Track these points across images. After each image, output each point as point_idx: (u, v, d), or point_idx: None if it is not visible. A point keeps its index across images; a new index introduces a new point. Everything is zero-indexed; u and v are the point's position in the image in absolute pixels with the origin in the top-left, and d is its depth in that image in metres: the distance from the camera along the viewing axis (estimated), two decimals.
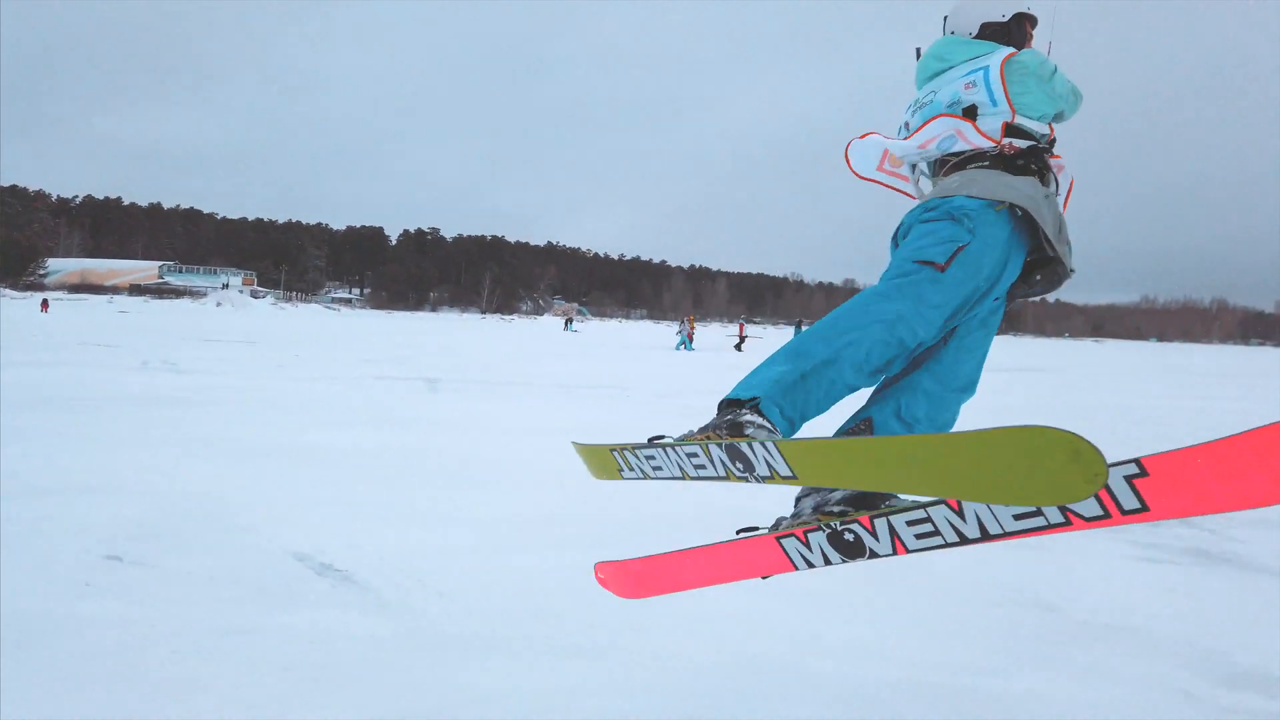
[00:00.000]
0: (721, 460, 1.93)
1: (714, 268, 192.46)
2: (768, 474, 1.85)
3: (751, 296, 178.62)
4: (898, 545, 1.98)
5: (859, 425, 2.29)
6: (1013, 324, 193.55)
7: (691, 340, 35.68)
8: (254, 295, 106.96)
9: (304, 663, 3.21)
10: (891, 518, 1.96)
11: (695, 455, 1.99)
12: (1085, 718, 2.99)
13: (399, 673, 3.19)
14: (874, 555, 2.01)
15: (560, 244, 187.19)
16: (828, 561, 2.08)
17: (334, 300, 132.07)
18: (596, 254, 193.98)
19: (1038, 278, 2.46)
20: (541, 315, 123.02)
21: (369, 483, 6.35)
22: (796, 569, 2.14)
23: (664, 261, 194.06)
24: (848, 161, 2.69)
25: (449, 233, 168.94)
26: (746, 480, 1.90)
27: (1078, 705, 3.09)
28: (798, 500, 2.26)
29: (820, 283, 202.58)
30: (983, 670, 3.39)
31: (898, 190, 2.70)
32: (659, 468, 2.12)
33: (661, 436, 2.14)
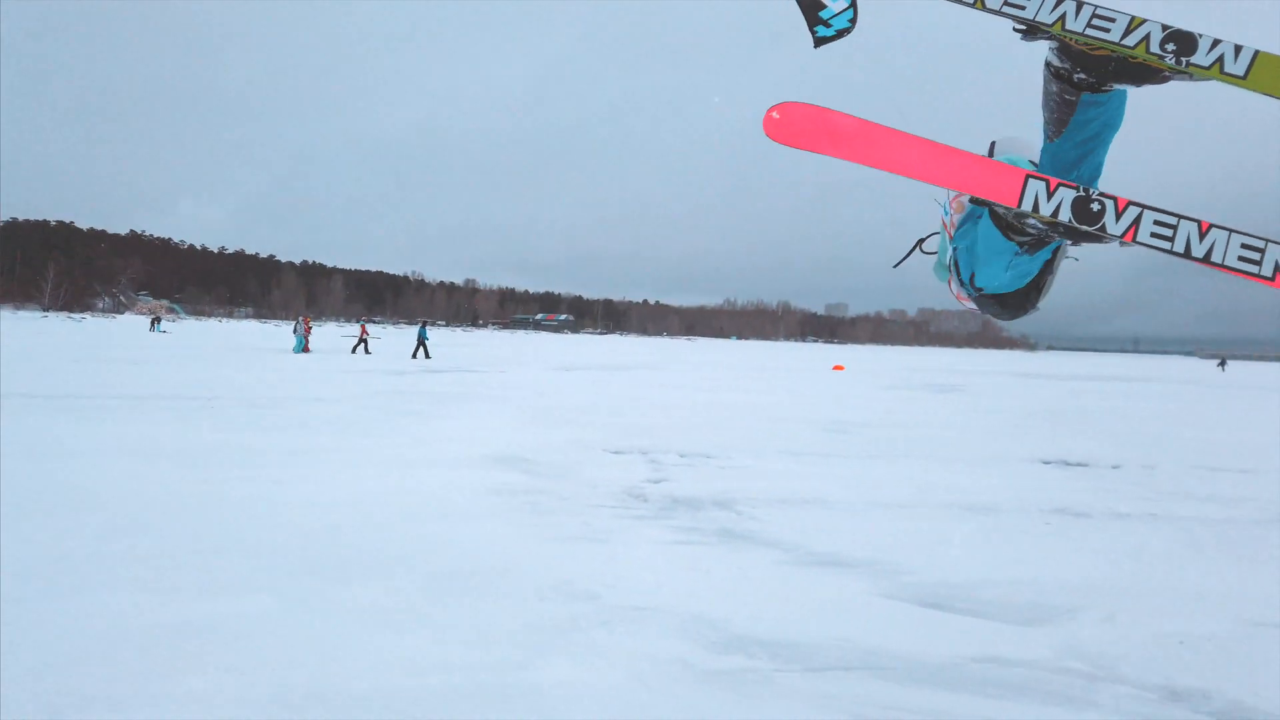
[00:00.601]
0: (1152, 34, 1.96)
1: (329, 264, 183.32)
2: (1206, 64, 1.88)
3: (370, 295, 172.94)
4: (1130, 232, 2.04)
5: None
6: (619, 323, 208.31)
7: (308, 342, 33.70)
8: None
9: None
10: (1146, 210, 2.02)
11: (1107, 21, 1.98)
12: (585, 697, 3.34)
13: None
14: (1100, 232, 2.07)
15: (147, 234, 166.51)
16: (1054, 215, 2.08)
17: None
18: (193, 246, 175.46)
19: None
20: (122, 314, 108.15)
21: None
22: (1018, 205, 2.10)
23: (273, 256, 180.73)
24: None
25: None
26: (1154, 59, 1.96)
27: (587, 686, 3.44)
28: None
29: (442, 282, 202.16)
30: (514, 665, 3.63)
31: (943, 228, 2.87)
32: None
33: None
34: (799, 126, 2.28)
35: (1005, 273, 2.40)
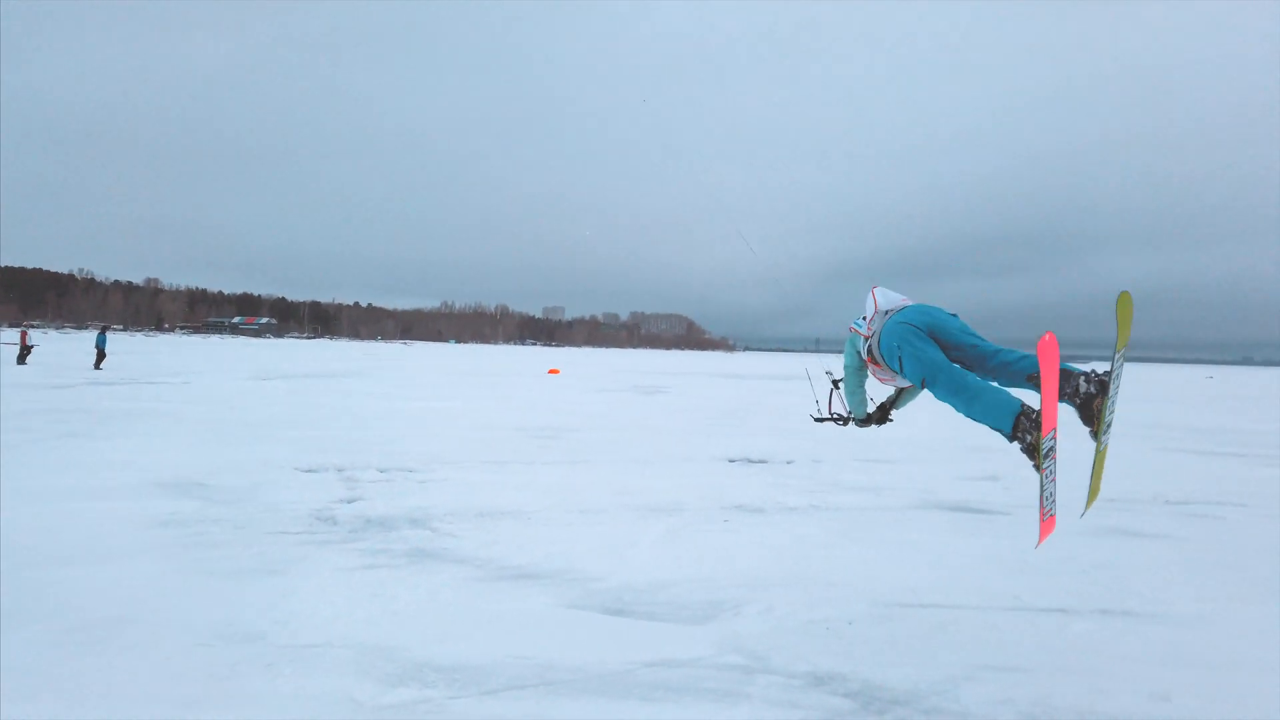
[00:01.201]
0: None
1: None
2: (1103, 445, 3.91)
3: (26, 296, 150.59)
4: (1044, 471, 3.73)
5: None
6: (329, 327, 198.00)
7: None
8: None
9: None
10: (1054, 459, 3.79)
11: (1112, 398, 3.83)
12: None
13: None
14: (1048, 465, 3.73)
15: None
16: (1036, 449, 3.75)
17: None
18: None
19: None
20: None
21: None
22: (1044, 435, 3.72)
23: None
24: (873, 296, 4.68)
25: None
26: (1099, 426, 3.84)
27: None
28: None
29: (117, 281, 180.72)
30: None
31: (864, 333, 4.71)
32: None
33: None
34: (1051, 352, 3.75)
35: (959, 410, 4.05)
